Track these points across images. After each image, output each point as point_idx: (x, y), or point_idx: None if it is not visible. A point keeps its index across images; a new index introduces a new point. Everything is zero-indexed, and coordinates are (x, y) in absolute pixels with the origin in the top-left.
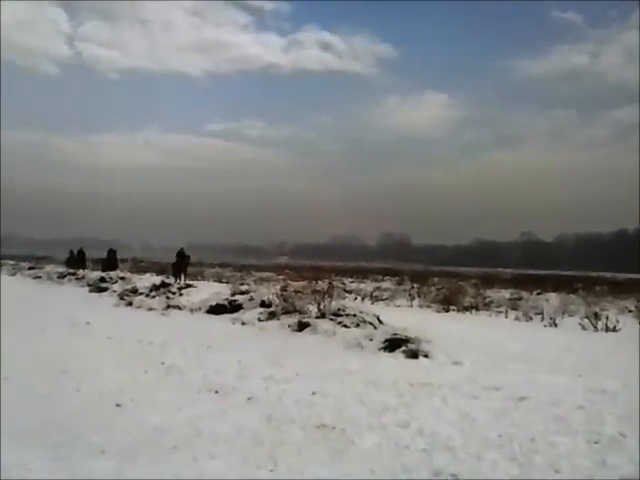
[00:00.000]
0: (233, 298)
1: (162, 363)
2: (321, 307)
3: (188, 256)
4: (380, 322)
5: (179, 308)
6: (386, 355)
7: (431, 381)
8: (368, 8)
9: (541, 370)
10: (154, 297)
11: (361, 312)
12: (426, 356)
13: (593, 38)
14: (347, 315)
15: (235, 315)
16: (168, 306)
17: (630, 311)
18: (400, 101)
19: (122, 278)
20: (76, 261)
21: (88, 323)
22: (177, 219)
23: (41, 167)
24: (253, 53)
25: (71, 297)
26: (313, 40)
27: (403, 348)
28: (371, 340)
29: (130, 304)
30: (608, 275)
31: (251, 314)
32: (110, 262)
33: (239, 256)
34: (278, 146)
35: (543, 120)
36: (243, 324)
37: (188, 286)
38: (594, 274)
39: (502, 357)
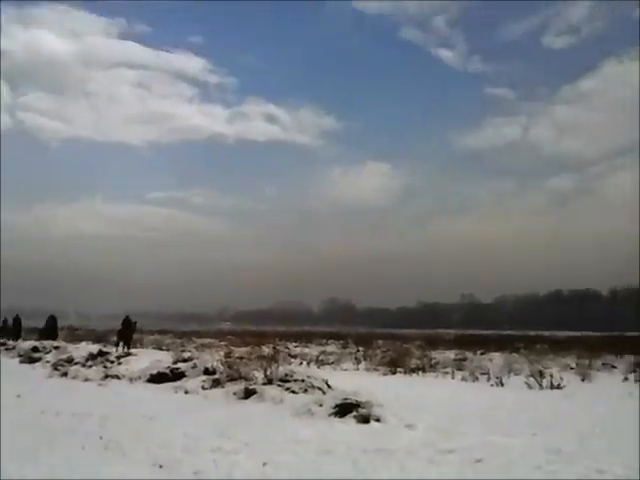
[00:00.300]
0: (175, 366)
1: (101, 437)
2: (268, 373)
3: (134, 322)
4: (329, 387)
5: (118, 378)
6: (337, 421)
7: (386, 447)
8: (313, 81)
9: (495, 431)
10: (91, 367)
11: (309, 377)
12: (378, 420)
13: (525, 112)
14: (295, 380)
15: (178, 383)
16: (106, 376)
17: (572, 368)
18: (344, 172)
19: (56, 347)
20: (11, 330)
21: (18, 396)
22: (117, 287)
23: None
24: (198, 124)
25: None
26: (258, 112)
27: (354, 413)
28: (321, 406)
29: (65, 374)
30: (546, 334)
31: (194, 382)
32: (50, 330)
33: (180, 323)
34: (223, 215)
35: (484, 189)
36: (186, 393)
37: (127, 354)
38: (533, 333)
39: (454, 419)
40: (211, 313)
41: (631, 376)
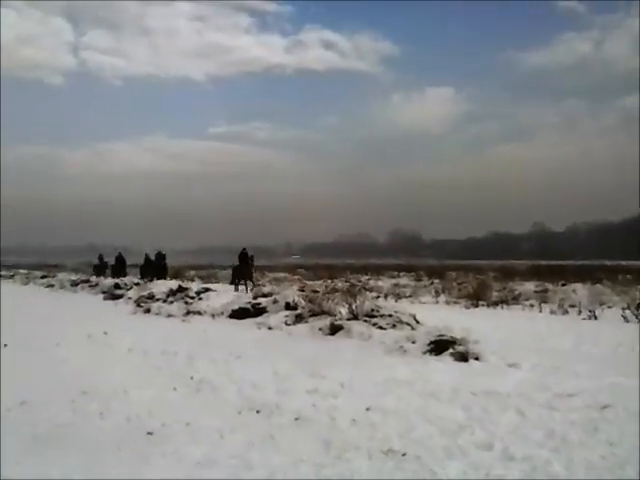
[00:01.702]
0: (256, 301)
1: (191, 378)
2: (353, 308)
3: (252, 256)
4: (417, 322)
5: (200, 314)
6: (433, 359)
7: (495, 389)
8: (370, 6)
9: (610, 371)
10: (172, 303)
11: (396, 312)
12: (477, 358)
13: (598, 25)
14: (382, 316)
15: (260, 319)
16: (188, 312)
17: None
18: (404, 98)
19: (137, 284)
20: (114, 268)
21: (106, 333)
22: (186, 223)
23: (50, 178)
24: (256, 55)
25: (86, 306)
26: (315, 40)
27: (450, 350)
28: (413, 343)
29: (148, 311)
30: (623, 263)
31: (277, 318)
32: (119, 268)
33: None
34: (285, 148)
35: (551, 111)
36: (270, 329)
37: (206, 290)
38: (608, 262)
39: (559, 357)
40: (279, 247)
41: None
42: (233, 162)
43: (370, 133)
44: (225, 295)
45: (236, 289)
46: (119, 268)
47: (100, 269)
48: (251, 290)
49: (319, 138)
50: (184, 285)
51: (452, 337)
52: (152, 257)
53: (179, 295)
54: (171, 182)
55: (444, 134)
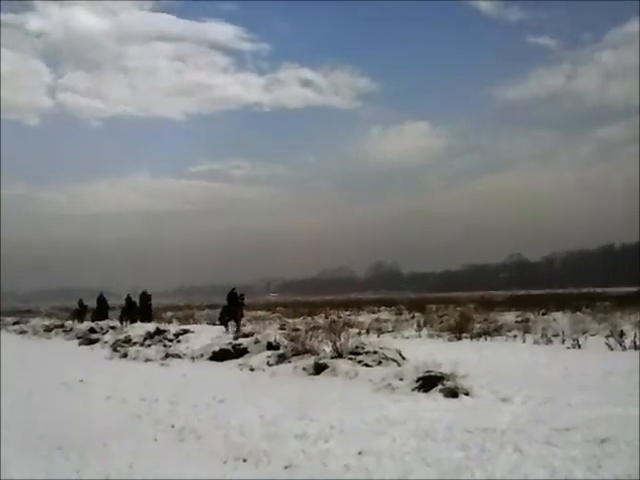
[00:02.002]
0: (237, 342)
1: (172, 426)
2: (337, 345)
3: (242, 296)
4: (403, 358)
5: (179, 357)
6: (422, 396)
7: (490, 426)
8: (347, 43)
9: (603, 402)
10: (150, 346)
11: (382, 348)
12: (467, 394)
13: (568, 60)
14: (367, 353)
15: (241, 360)
16: (167, 355)
17: None
18: (382, 132)
19: (113, 327)
20: (96, 311)
21: (81, 381)
22: (164, 264)
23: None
24: (234, 93)
25: (60, 352)
26: (293, 77)
27: (439, 386)
28: (401, 380)
29: (125, 355)
30: (599, 290)
31: (259, 358)
32: (101, 311)
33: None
34: (264, 184)
35: (529, 143)
36: (252, 370)
37: (185, 332)
38: (585, 290)
39: (550, 389)
40: (258, 285)
41: None
42: (214, 199)
43: (349, 168)
44: (205, 336)
45: (227, 329)
46: (101, 310)
47: (80, 313)
48: (235, 331)
49: (298, 174)
50: (162, 327)
51: (440, 373)
52: (134, 299)
53: (157, 338)
54: (150, 221)
55: (422, 167)
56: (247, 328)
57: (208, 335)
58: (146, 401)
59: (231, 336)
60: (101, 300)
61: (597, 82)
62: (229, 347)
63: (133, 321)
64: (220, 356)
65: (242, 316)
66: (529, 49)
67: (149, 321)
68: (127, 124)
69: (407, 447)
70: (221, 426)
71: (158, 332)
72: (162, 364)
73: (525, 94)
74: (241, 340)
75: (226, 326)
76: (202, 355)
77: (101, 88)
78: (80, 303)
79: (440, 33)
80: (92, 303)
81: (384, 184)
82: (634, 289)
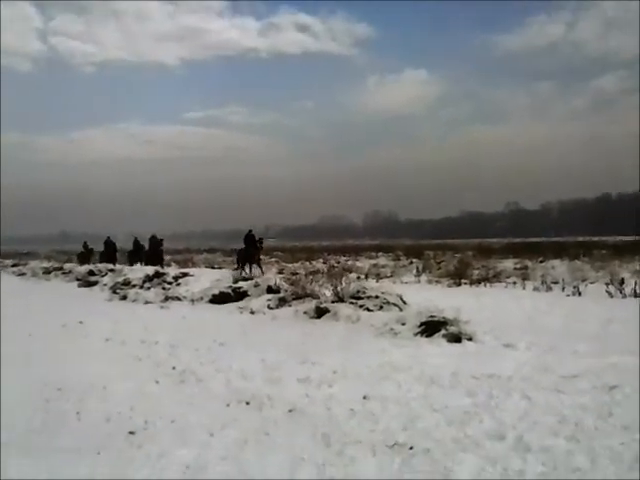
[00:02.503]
0: (237, 285)
1: (174, 368)
2: (338, 290)
3: (260, 239)
4: (404, 303)
5: (179, 299)
6: (425, 341)
7: (495, 372)
8: None
9: (610, 349)
10: (149, 289)
11: (383, 293)
12: (470, 339)
13: (568, 8)
14: (368, 297)
15: (241, 304)
16: (167, 298)
17: None
18: (379, 80)
19: (112, 270)
20: (104, 254)
21: (81, 323)
22: (161, 209)
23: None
24: (230, 38)
25: (59, 294)
26: (290, 22)
27: (443, 332)
28: (404, 324)
29: (124, 298)
30: (595, 239)
31: (259, 301)
32: (109, 254)
33: (227, 240)
34: (261, 131)
35: (524, 93)
36: (252, 313)
37: (184, 275)
38: (582, 239)
39: (554, 336)
40: (256, 230)
41: None
42: (209, 147)
43: (346, 116)
44: (204, 279)
45: (240, 273)
46: (110, 254)
47: (85, 256)
48: (261, 270)
49: (295, 122)
50: (161, 270)
51: (443, 318)
52: (142, 242)
53: (156, 281)
54: (145, 168)
55: (419, 116)
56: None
57: (208, 278)
58: (146, 343)
59: (231, 279)
60: (109, 243)
61: (597, 31)
62: (229, 290)
63: (145, 264)
64: (220, 299)
65: (260, 259)
66: None
67: (161, 266)
68: (120, 69)
69: (413, 393)
70: (222, 369)
71: (157, 275)
72: (162, 307)
73: (524, 43)
74: (241, 283)
75: (243, 269)
76: (202, 298)
77: (92, 32)
78: (85, 246)
79: None
80: (94, 247)
81: (381, 132)
82: (630, 238)
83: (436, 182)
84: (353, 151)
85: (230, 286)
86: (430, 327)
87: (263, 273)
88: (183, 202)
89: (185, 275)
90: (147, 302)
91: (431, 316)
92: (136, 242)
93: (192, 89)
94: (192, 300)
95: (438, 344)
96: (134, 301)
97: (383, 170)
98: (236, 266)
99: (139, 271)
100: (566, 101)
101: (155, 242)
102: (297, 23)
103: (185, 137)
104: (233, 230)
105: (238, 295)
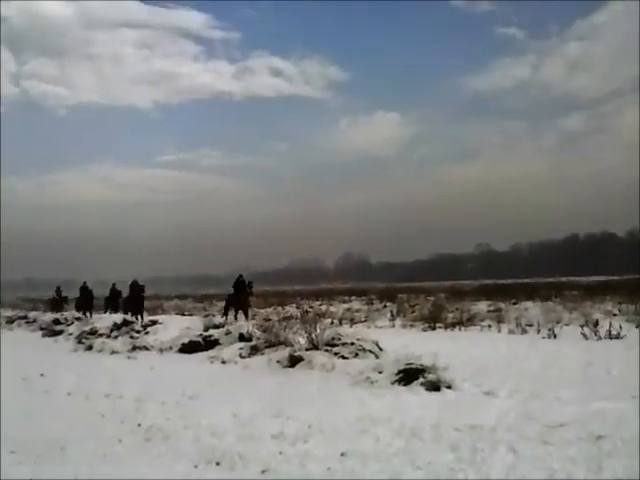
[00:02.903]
0: (207, 333)
1: (139, 425)
2: (313, 337)
3: (250, 283)
4: (380, 349)
5: (147, 349)
6: (403, 390)
7: (478, 422)
8: (317, 32)
9: (592, 395)
10: (116, 337)
11: (358, 339)
12: (449, 387)
13: (534, 50)
14: (343, 344)
15: (212, 352)
16: (134, 347)
17: (614, 314)
18: (352, 122)
19: (78, 319)
20: (81, 301)
21: (42, 375)
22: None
23: None
24: (204, 82)
25: (21, 344)
26: (263, 66)
27: (421, 380)
28: (380, 373)
29: (90, 348)
30: (563, 279)
31: (230, 350)
32: (86, 301)
33: (198, 286)
34: (234, 175)
35: (494, 132)
36: (224, 363)
37: (153, 323)
38: (552, 279)
39: (534, 382)
40: (227, 276)
41: None
42: (182, 190)
43: (319, 158)
44: (174, 327)
45: (226, 320)
46: (87, 300)
47: (58, 303)
48: (252, 318)
49: (269, 164)
50: (129, 319)
51: (421, 365)
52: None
53: (124, 329)
54: (117, 212)
55: (392, 157)
56: (216, 319)
57: (177, 326)
58: (110, 397)
59: (201, 327)
60: (85, 289)
61: (562, 72)
62: (199, 339)
63: (124, 312)
64: (190, 348)
65: (250, 305)
66: (497, 40)
67: (141, 314)
68: (93, 112)
69: (393, 448)
70: (191, 425)
71: (125, 323)
72: (129, 357)
73: (492, 84)
74: (212, 331)
75: (226, 316)
76: (171, 347)
77: (66, 76)
78: (58, 292)
79: (410, 24)
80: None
81: (354, 174)
82: (599, 278)
83: (408, 223)
84: (326, 193)
85: (200, 334)
86: (408, 375)
87: (248, 320)
88: (154, 247)
89: (154, 323)
90: (114, 352)
91: (408, 363)
92: (113, 288)
93: (165, 132)
94: (161, 350)
95: (417, 393)
96: (100, 351)
97: (356, 212)
98: (223, 312)
99: (107, 319)
100: (534, 139)
101: (136, 288)
102: (271, 67)
103: (157, 180)
104: (203, 275)
105: (209, 344)
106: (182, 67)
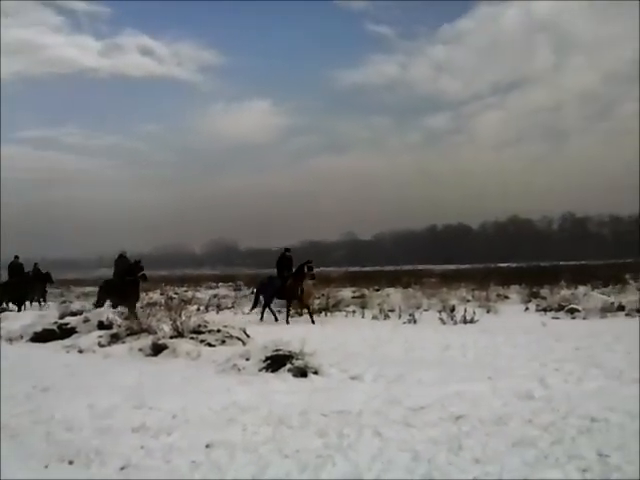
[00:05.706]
0: (63, 321)
1: None
2: (178, 324)
3: (47, 273)
4: (248, 336)
5: None
6: (271, 377)
7: (345, 408)
8: (191, 13)
9: (450, 377)
10: None
11: (225, 326)
12: (316, 373)
13: (403, 50)
14: (210, 331)
15: (68, 341)
16: None
17: (468, 300)
18: (225, 108)
19: None
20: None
21: None
22: None
23: None
24: (68, 56)
25: None
26: (133, 44)
27: (288, 366)
28: (247, 360)
29: None
30: (420, 267)
31: (89, 339)
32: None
33: (58, 271)
34: (99, 154)
35: (364, 127)
36: (81, 352)
37: (2, 310)
38: (411, 267)
39: (397, 366)
40: (90, 259)
41: (530, 306)
42: (42, 168)
43: (191, 142)
44: (26, 315)
45: (262, 318)
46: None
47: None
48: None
49: (137, 145)
50: None
51: (289, 351)
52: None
53: None
54: None
55: (267, 145)
56: (76, 305)
57: (29, 314)
58: None
59: (56, 314)
60: (38, 272)
61: (428, 73)
62: (54, 327)
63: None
64: (43, 337)
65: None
66: (369, 37)
67: (44, 300)
68: None
69: (261, 436)
70: (42, 421)
71: None
72: None
73: (363, 80)
74: (68, 319)
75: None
76: (22, 336)
77: None
78: None
79: (288, 15)
80: None
81: (228, 160)
82: (454, 267)
83: (280, 211)
84: (199, 178)
85: (55, 322)
86: (275, 361)
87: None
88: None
89: (2, 310)
90: None
91: (276, 350)
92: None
93: (25, 107)
94: (10, 339)
95: (284, 379)
96: None
97: (228, 198)
98: (252, 305)
99: None
100: (400, 136)
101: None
102: (141, 45)
103: (17, 157)
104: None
105: (64, 332)
106: (44, 38)
